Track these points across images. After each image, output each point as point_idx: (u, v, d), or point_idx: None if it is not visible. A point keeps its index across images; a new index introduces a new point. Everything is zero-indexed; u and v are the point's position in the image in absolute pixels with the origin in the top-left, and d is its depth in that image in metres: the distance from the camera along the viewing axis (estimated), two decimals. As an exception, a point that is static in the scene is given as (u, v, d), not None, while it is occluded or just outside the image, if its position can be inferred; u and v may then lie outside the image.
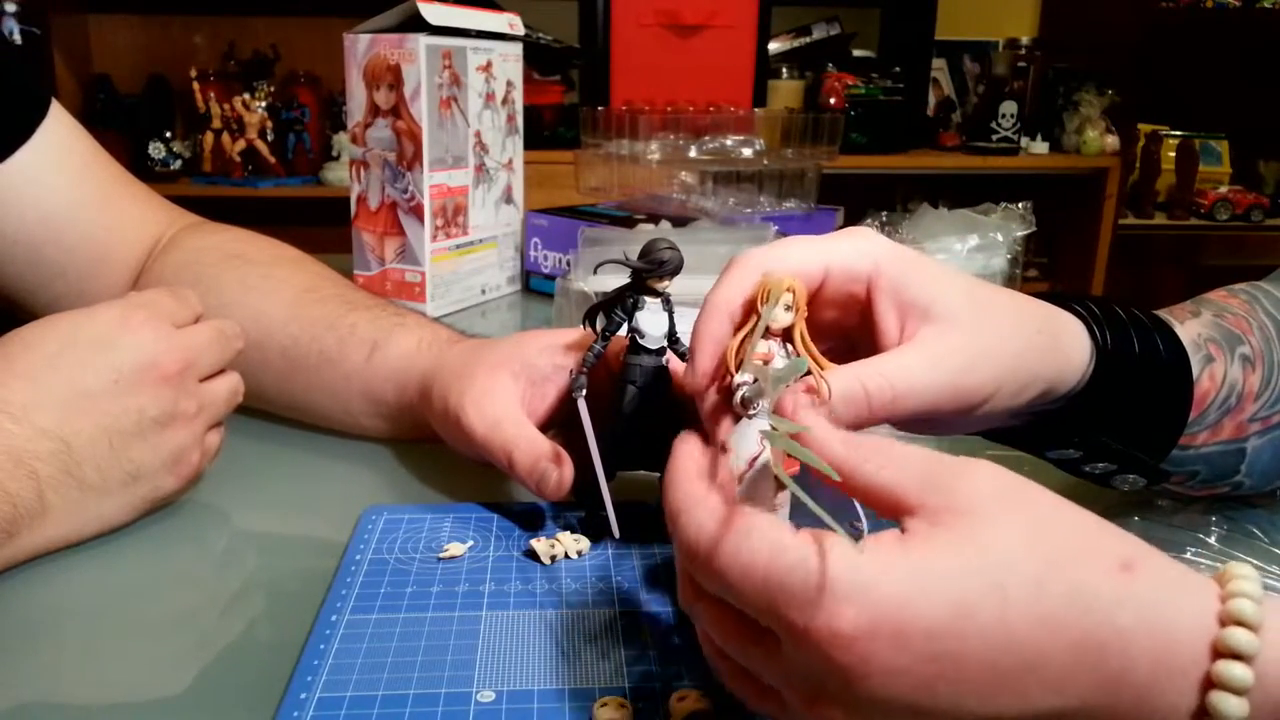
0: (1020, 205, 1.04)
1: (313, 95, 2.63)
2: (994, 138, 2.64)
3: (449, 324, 0.65)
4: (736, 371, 0.36)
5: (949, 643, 0.27)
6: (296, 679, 0.38)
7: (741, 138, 1.26)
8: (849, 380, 0.37)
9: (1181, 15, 2.80)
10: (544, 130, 2.39)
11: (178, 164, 2.58)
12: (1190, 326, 0.50)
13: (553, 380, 0.54)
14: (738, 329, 0.39)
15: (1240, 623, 0.27)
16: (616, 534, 0.48)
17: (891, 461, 0.32)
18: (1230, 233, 2.88)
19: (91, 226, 0.69)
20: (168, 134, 2.59)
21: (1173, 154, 2.86)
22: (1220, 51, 2.87)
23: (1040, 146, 2.73)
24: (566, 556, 0.48)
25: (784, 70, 2.62)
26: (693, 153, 1.21)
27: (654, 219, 1.03)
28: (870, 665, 0.28)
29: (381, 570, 0.47)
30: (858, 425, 0.37)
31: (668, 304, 0.48)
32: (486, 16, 0.98)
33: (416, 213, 0.92)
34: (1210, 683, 0.27)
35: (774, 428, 0.32)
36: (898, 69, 2.63)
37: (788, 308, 0.37)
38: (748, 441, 0.35)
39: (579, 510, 0.52)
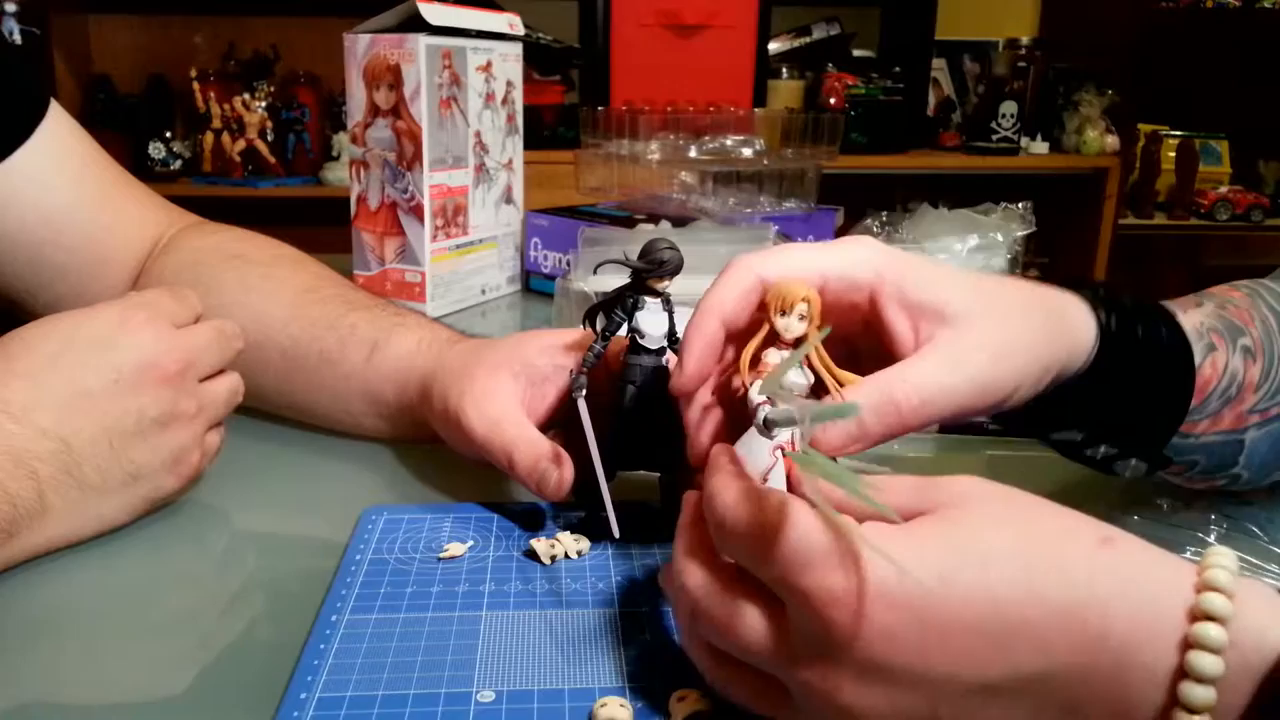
0: (1020, 205, 1.04)
1: (313, 95, 2.63)
2: (994, 138, 2.64)
3: (449, 324, 0.65)
4: (749, 382, 0.36)
5: (936, 608, 0.29)
6: (296, 679, 0.38)
7: (741, 138, 1.26)
8: (878, 394, 0.37)
9: (1181, 15, 2.80)
10: (544, 130, 2.39)
11: (178, 164, 2.58)
12: (1193, 315, 0.50)
13: (553, 380, 0.54)
14: (747, 337, 0.39)
15: (1216, 589, 0.28)
16: (616, 534, 0.48)
17: (887, 487, 0.34)
18: (1230, 233, 2.88)
19: (91, 227, 0.69)
20: (168, 134, 2.59)
21: (1173, 154, 2.86)
22: (1220, 51, 2.87)
23: (1040, 146, 2.73)
24: (566, 556, 0.48)
25: (784, 70, 2.62)
26: (693, 153, 1.21)
27: (654, 219, 1.03)
28: (864, 624, 0.29)
29: (381, 570, 0.47)
30: (890, 436, 0.38)
31: (668, 304, 0.48)
32: (486, 16, 0.98)
33: (416, 213, 0.92)
34: (1188, 644, 0.27)
35: (810, 460, 0.32)
36: (898, 69, 2.63)
37: (802, 318, 0.37)
38: (760, 454, 0.36)
39: (579, 510, 0.52)
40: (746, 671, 0.34)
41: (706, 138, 1.25)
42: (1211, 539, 0.51)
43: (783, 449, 0.37)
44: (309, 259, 0.70)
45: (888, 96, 2.56)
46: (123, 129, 2.51)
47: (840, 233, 1.20)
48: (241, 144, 2.55)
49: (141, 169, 2.45)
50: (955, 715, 0.30)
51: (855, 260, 0.40)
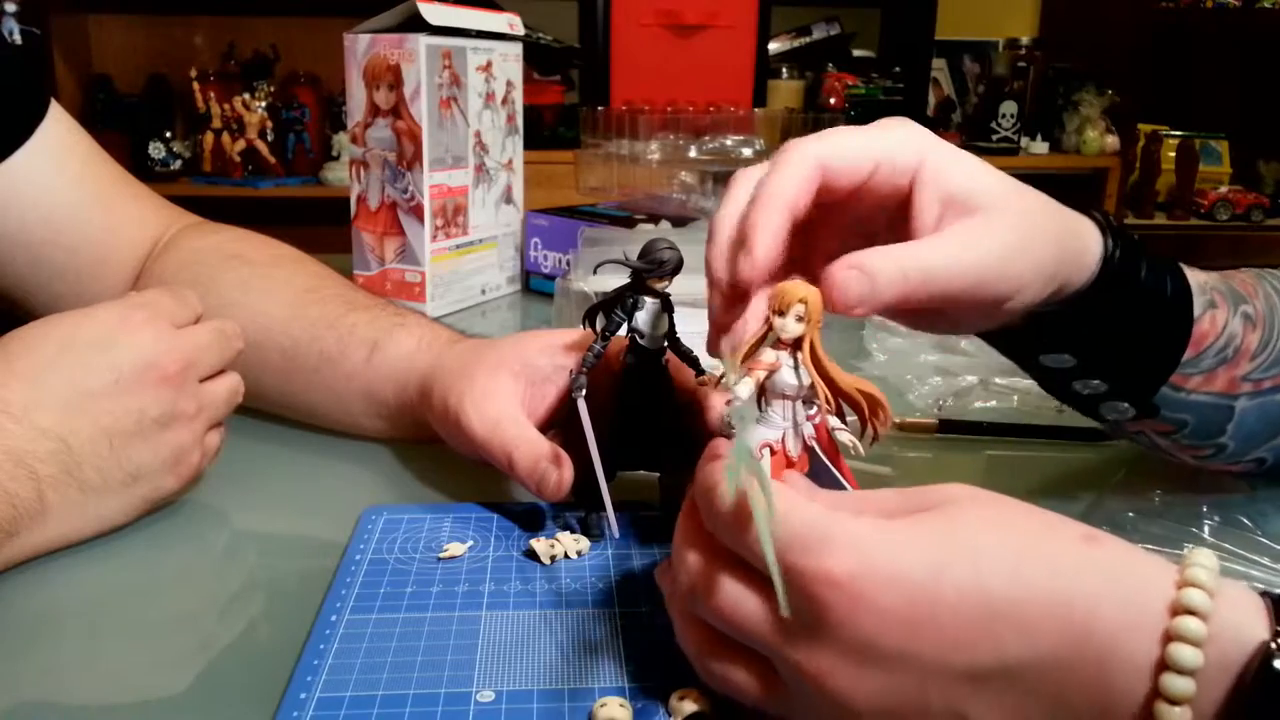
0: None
1: (313, 95, 2.63)
2: (994, 138, 2.64)
3: (449, 324, 0.65)
4: (735, 377, 0.36)
5: (927, 593, 0.30)
6: (296, 679, 0.38)
7: (741, 138, 1.26)
8: (889, 262, 0.38)
9: (1181, 15, 2.80)
10: (544, 130, 2.39)
11: (178, 164, 2.58)
12: (1198, 274, 0.52)
13: (553, 380, 0.54)
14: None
15: (1196, 585, 0.29)
16: (616, 534, 0.48)
17: (872, 501, 0.35)
18: (1230, 233, 2.88)
19: (91, 227, 0.69)
20: (168, 134, 2.59)
21: (1173, 154, 2.86)
22: (1220, 51, 2.87)
23: (1040, 146, 2.73)
24: (566, 556, 0.48)
25: (784, 70, 2.62)
26: (693, 153, 1.21)
27: (654, 219, 1.03)
28: (858, 605, 0.30)
29: (381, 570, 0.47)
30: (895, 303, 0.39)
31: (668, 304, 0.48)
32: (486, 16, 0.98)
33: (416, 213, 0.92)
34: (1169, 636, 0.28)
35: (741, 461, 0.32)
36: (898, 69, 2.63)
37: (799, 319, 0.37)
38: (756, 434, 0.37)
39: (579, 510, 0.52)
40: (740, 657, 0.34)
41: (706, 138, 1.25)
42: (1205, 533, 0.51)
43: (770, 447, 0.37)
44: (309, 259, 0.70)
45: (888, 96, 2.56)
46: (123, 129, 2.51)
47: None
48: (241, 144, 2.55)
49: (141, 169, 2.45)
50: (944, 702, 0.30)
51: (903, 144, 0.41)
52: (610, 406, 0.49)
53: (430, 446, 0.59)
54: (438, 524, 0.52)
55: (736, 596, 0.33)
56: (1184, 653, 0.28)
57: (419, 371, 0.59)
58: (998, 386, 0.74)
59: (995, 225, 0.41)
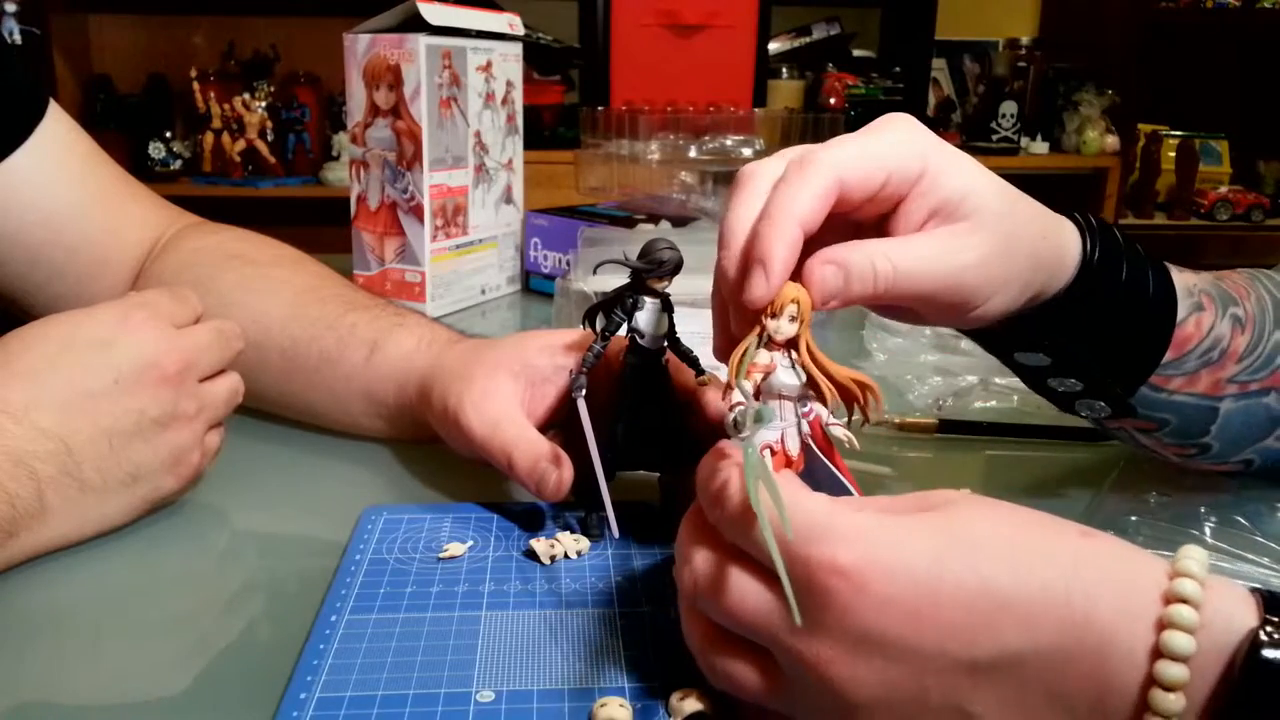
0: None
1: (313, 95, 2.63)
2: (994, 138, 2.64)
3: (449, 324, 0.65)
4: (736, 382, 0.36)
5: (929, 584, 0.30)
6: (296, 679, 0.38)
7: (741, 138, 1.26)
8: (861, 258, 0.39)
9: (1181, 15, 2.80)
10: (544, 130, 2.40)
11: (178, 164, 2.58)
12: (1188, 276, 0.52)
13: (552, 380, 0.54)
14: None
15: (1188, 575, 0.30)
16: (616, 534, 0.48)
17: (872, 500, 0.35)
18: (1230, 233, 2.88)
19: (90, 227, 0.69)
20: (168, 134, 2.59)
21: (1173, 154, 2.86)
22: (1220, 51, 2.87)
23: (1040, 146, 2.73)
24: (566, 556, 0.48)
25: (784, 70, 2.62)
26: (693, 153, 1.21)
27: (654, 219, 1.03)
28: (861, 594, 0.31)
29: (381, 570, 0.47)
30: (864, 300, 0.40)
31: (667, 304, 0.48)
32: (486, 16, 0.98)
33: (416, 213, 0.92)
34: (1163, 624, 0.29)
35: (751, 461, 0.33)
36: (898, 69, 2.63)
37: (792, 319, 0.37)
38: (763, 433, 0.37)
39: (579, 510, 0.52)
40: (742, 650, 0.34)
41: (706, 138, 1.25)
42: (1205, 535, 0.51)
43: (770, 447, 0.37)
44: (309, 259, 0.70)
45: (888, 96, 2.56)
46: (123, 129, 2.52)
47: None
48: (241, 144, 2.55)
49: (141, 169, 2.45)
50: (944, 693, 0.31)
51: (909, 151, 0.41)
52: (610, 406, 0.49)
53: (430, 446, 0.59)
54: (438, 524, 0.52)
55: (739, 589, 0.33)
56: (1178, 639, 0.28)
57: (418, 371, 0.59)
58: (998, 386, 0.74)
59: (976, 235, 0.41)
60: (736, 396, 0.37)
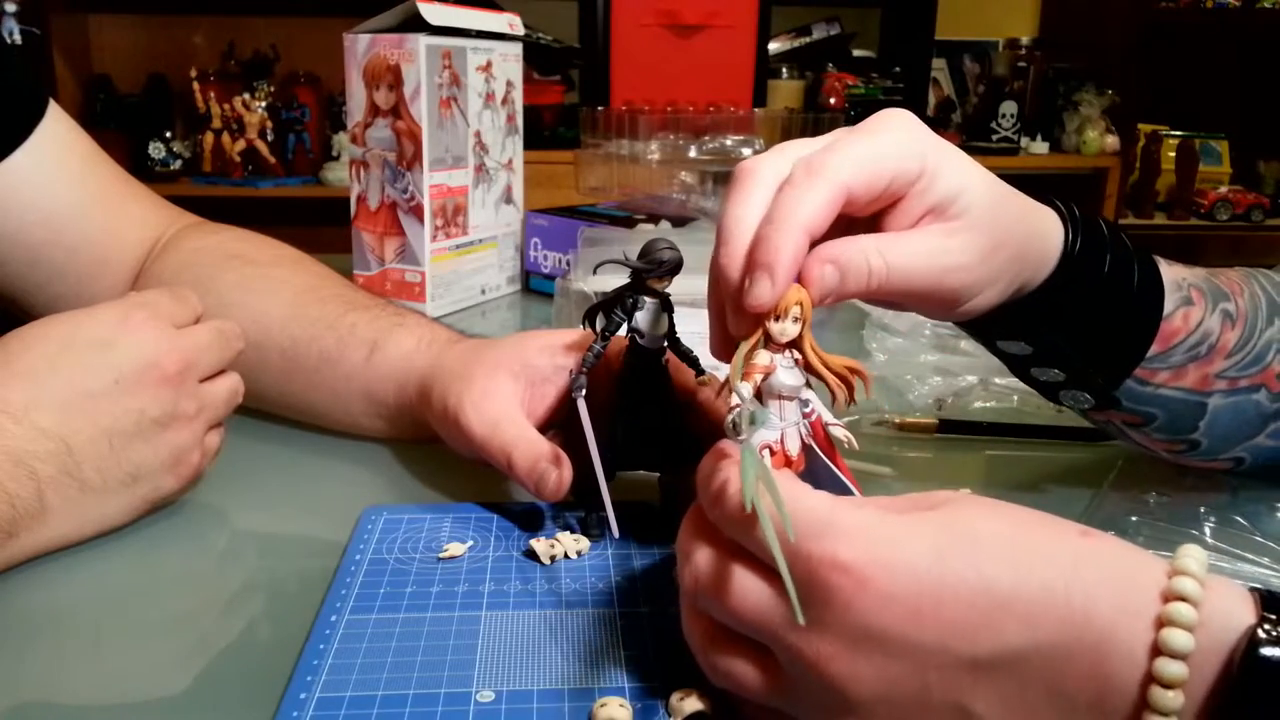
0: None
1: (313, 95, 2.63)
2: (994, 138, 2.64)
3: (449, 324, 0.65)
4: (736, 383, 0.36)
5: (931, 581, 0.30)
6: (296, 679, 0.38)
7: (741, 138, 1.26)
8: (856, 254, 0.39)
9: (1181, 15, 2.80)
10: (544, 130, 2.39)
11: (178, 164, 2.58)
12: (1178, 270, 0.52)
13: (552, 381, 0.54)
14: (743, 333, 0.38)
15: (1187, 574, 0.30)
16: (616, 534, 0.48)
17: (873, 500, 0.35)
18: (1230, 233, 2.88)
19: (90, 227, 0.69)
20: (168, 134, 2.59)
21: (1173, 154, 2.86)
22: (1220, 51, 2.87)
23: (1040, 146, 2.73)
24: (566, 556, 0.48)
25: (784, 70, 2.62)
26: (693, 153, 1.21)
27: (654, 219, 1.03)
28: (863, 590, 0.31)
29: (381, 570, 0.47)
30: (858, 296, 0.40)
31: (668, 304, 0.48)
32: (486, 16, 0.98)
33: (416, 213, 0.92)
34: (1162, 622, 0.29)
35: (750, 461, 0.33)
36: (898, 69, 2.63)
37: (796, 320, 0.37)
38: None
39: (579, 510, 0.52)
40: (742, 648, 0.34)
41: (706, 138, 1.25)
42: (1204, 533, 0.51)
43: (770, 447, 0.37)
44: (309, 259, 0.70)
45: (888, 96, 2.56)
46: (123, 129, 2.52)
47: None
48: (241, 144, 2.55)
49: (141, 169, 2.45)
50: (944, 691, 0.31)
51: (910, 151, 0.41)
52: (610, 406, 0.49)
53: (430, 446, 0.59)
54: (438, 524, 0.52)
55: (740, 587, 0.33)
56: (1177, 637, 0.28)
57: (418, 371, 0.59)
58: (998, 386, 0.74)
59: (966, 235, 0.41)
60: (734, 399, 0.37)
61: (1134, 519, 0.53)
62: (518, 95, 1.04)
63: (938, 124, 2.75)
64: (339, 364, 0.61)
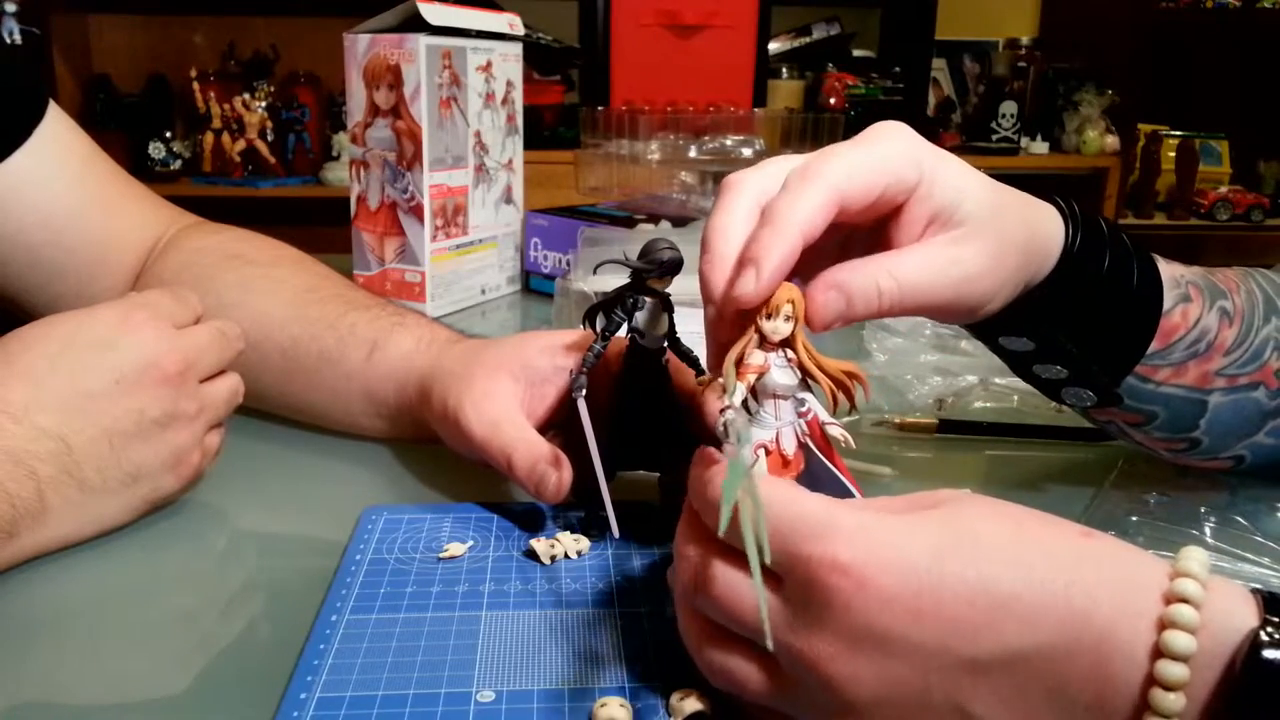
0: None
1: (313, 95, 2.63)
2: (994, 138, 2.64)
3: (449, 324, 0.65)
4: (730, 385, 0.36)
5: (931, 581, 0.30)
6: (296, 679, 0.38)
7: (741, 138, 1.26)
8: (864, 278, 0.39)
9: (1181, 15, 2.80)
10: (544, 130, 2.39)
11: (178, 164, 2.58)
12: (1176, 268, 0.52)
13: (552, 381, 0.54)
14: (733, 337, 0.38)
15: (1189, 575, 0.30)
16: (616, 534, 0.48)
17: (872, 500, 0.36)
18: (1230, 233, 2.88)
19: (91, 227, 0.69)
20: (168, 134, 2.59)
21: (1173, 154, 2.86)
22: (1220, 51, 2.87)
23: (1040, 146, 2.73)
24: (566, 556, 0.48)
25: (784, 70, 2.62)
26: (693, 153, 1.22)
27: (654, 219, 1.03)
28: (863, 590, 0.31)
29: (381, 570, 0.47)
30: (870, 318, 0.40)
31: (668, 304, 0.48)
32: (486, 16, 0.98)
33: (416, 213, 0.92)
34: (1164, 624, 0.29)
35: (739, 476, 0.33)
36: (898, 69, 2.63)
37: (787, 318, 0.37)
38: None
39: (579, 510, 0.52)
40: (741, 650, 0.34)
41: (706, 138, 1.25)
42: (1205, 534, 0.51)
43: (765, 447, 0.37)
44: (309, 259, 0.70)
45: (888, 96, 2.56)
46: (123, 129, 2.52)
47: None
48: (241, 144, 2.55)
49: (141, 169, 2.45)
50: (945, 691, 0.31)
51: (906, 161, 0.41)
52: (610, 407, 0.49)
53: (430, 446, 0.59)
54: (438, 524, 0.52)
55: (738, 587, 0.33)
56: (1178, 639, 0.28)
57: (418, 371, 0.59)
58: (998, 386, 0.74)
59: (973, 243, 0.42)
60: (725, 402, 0.37)
61: (1134, 519, 0.53)
62: (518, 95, 1.04)
63: (938, 124, 2.75)
64: (339, 364, 0.61)
